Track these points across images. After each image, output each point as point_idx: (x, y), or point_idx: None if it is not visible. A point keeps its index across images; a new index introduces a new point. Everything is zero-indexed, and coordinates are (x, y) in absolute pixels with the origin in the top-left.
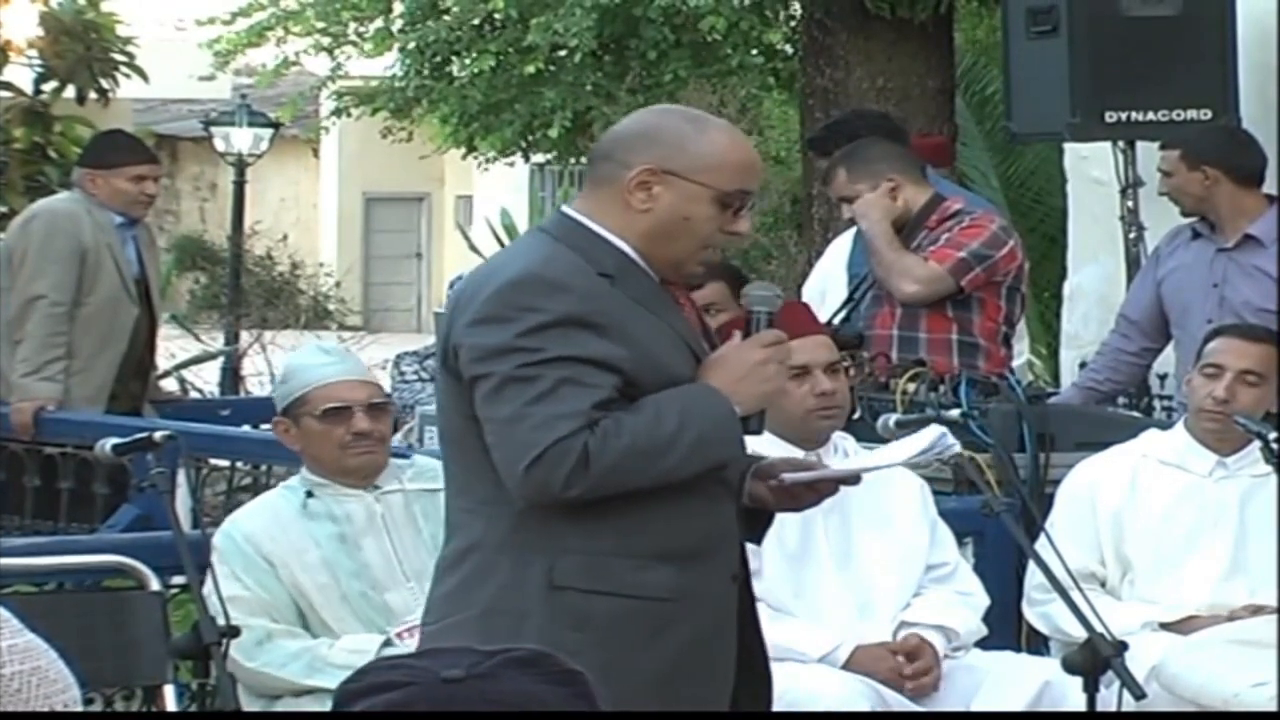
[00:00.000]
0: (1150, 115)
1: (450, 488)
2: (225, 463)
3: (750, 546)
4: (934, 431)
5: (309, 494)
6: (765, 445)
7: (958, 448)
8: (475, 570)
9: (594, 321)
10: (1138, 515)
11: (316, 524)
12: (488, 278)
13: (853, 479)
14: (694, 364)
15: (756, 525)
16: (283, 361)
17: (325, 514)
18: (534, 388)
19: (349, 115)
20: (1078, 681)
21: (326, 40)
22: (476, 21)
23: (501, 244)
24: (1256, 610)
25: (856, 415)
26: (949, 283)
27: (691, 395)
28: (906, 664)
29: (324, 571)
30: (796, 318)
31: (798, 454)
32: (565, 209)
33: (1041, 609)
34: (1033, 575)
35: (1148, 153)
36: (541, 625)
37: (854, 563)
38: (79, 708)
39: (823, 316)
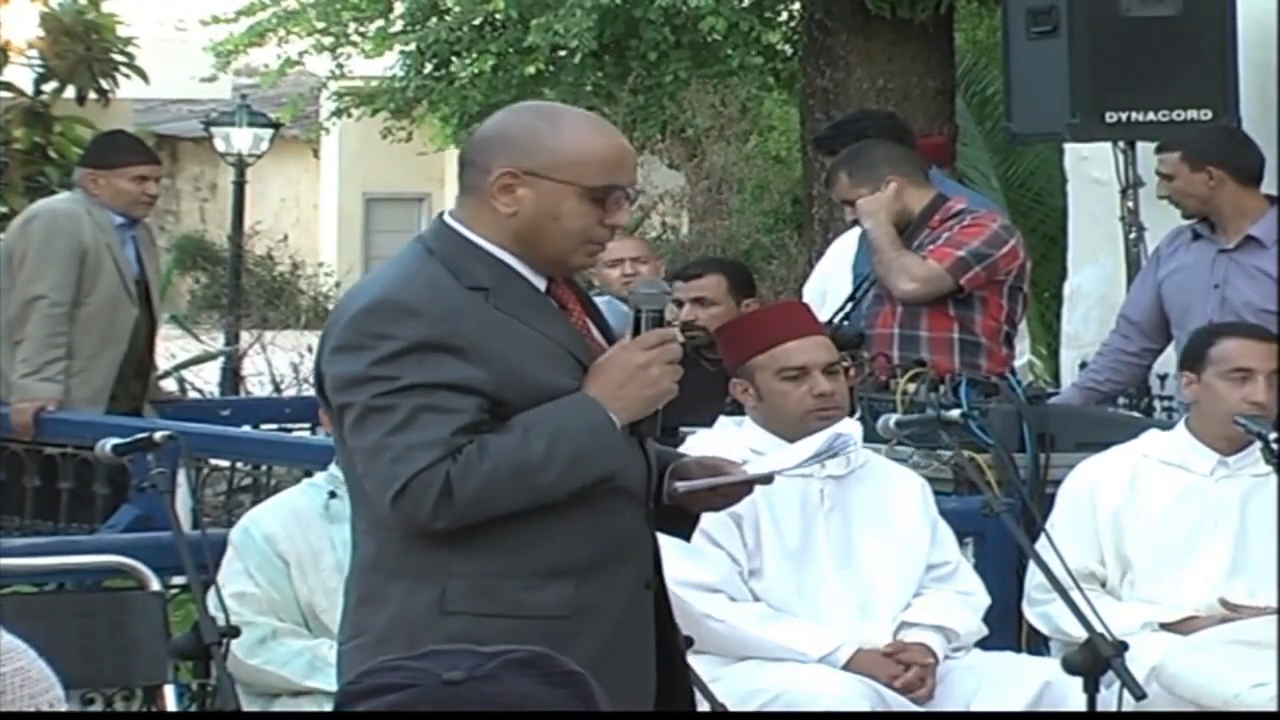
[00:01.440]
0: (1150, 115)
1: (350, 504)
2: (225, 463)
3: (750, 545)
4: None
5: (332, 494)
6: (765, 444)
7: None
8: (371, 593)
9: (450, 344)
10: (1138, 515)
11: (336, 526)
12: (350, 301)
13: (766, 479)
14: (579, 373)
15: (682, 523)
16: None
17: (347, 516)
18: (391, 418)
19: (349, 116)
20: (1078, 682)
21: (328, 40)
22: (477, 22)
23: None
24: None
25: (857, 415)
26: (948, 281)
27: (564, 409)
28: (904, 671)
29: (336, 575)
30: (796, 318)
31: (793, 452)
32: (446, 217)
33: (1042, 609)
34: (1033, 575)
35: (1148, 153)
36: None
37: (855, 562)
38: (64, 707)
39: (823, 317)
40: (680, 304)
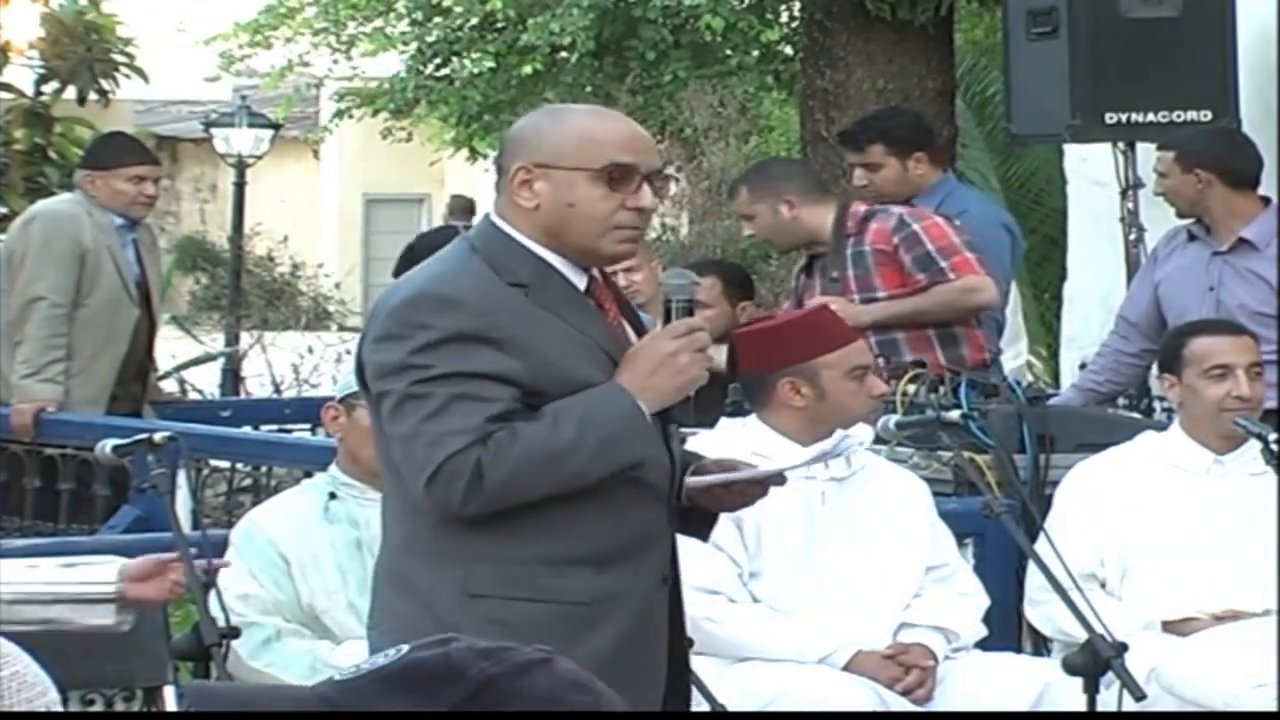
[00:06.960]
0: (1150, 117)
1: (384, 494)
2: (225, 464)
3: (751, 547)
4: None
5: (332, 495)
6: (770, 446)
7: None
8: (401, 579)
9: (488, 336)
10: (1136, 516)
11: (336, 527)
12: (391, 295)
13: (778, 478)
14: (613, 369)
15: (701, 523)
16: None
17: (346, 518)
18: (426, 405)
19: (350, 116)
20: (1078, 682)
21: (332, 39)
22: (475, 22)
23: None
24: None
25: None
26: (988, 278)
27: (593, 398)
28: (904, 674)
29: (336, 576)
30: (833, 329)
31: (798, 451)
32: (491, 215)
33: (1043, 610)
34: (1034, 576)
35: (1148, 154)
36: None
37: (855, 564)
38: (59, 709)
39: None
40: None
